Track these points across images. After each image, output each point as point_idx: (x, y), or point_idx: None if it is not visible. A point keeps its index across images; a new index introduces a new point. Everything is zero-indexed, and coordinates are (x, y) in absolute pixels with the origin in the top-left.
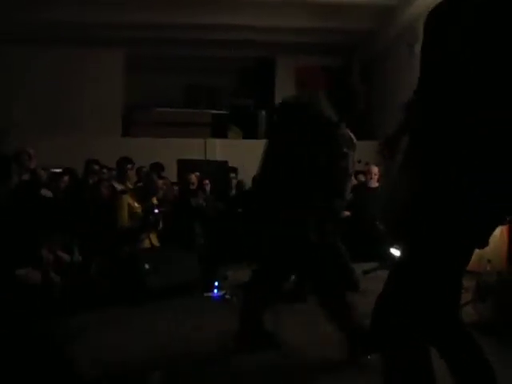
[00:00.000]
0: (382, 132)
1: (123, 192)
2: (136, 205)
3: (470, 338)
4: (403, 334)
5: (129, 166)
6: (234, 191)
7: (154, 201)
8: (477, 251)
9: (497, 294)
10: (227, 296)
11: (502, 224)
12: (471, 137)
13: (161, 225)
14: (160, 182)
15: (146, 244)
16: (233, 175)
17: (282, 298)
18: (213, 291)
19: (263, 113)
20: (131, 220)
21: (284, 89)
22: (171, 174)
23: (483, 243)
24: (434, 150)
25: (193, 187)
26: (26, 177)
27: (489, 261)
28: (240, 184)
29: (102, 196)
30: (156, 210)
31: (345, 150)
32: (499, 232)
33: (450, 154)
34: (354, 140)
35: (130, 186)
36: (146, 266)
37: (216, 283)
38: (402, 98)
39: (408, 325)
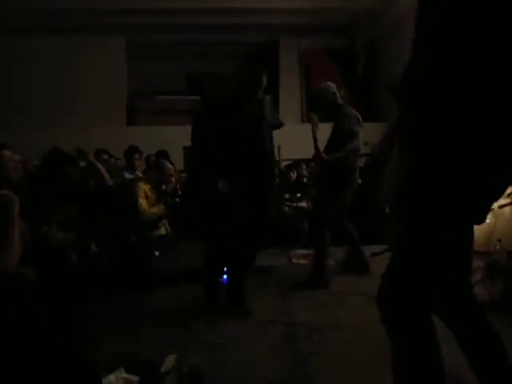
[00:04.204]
0: (387, 114)
1: (134, 180)
2: (150, 193)
3: (480, 314)
4: (409, 311)
5: (136, 155)
6: None
7: (174, 184)
8: (486, 232)
9: (507, 274)
10: None
11: (497, 199)
12: (468, 120)
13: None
14: (171, 167)
15: (162, 231)
16: None
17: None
18: (222, 277)
19: (268, 98)
20: (150, 207)
21: (288, 72)
22: (178, 161)
23: (480, 219)
24: (429, 131)
25: None
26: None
27: (499, 240)
28: None
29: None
30: (180, 192)
31: (354, 128)
32: (509, 211)
33: (447, 136)
34: (360, 118)
35: (139, 174)
36: (156, 253)
37: (225, 269)
38: None
39: (413, 302)
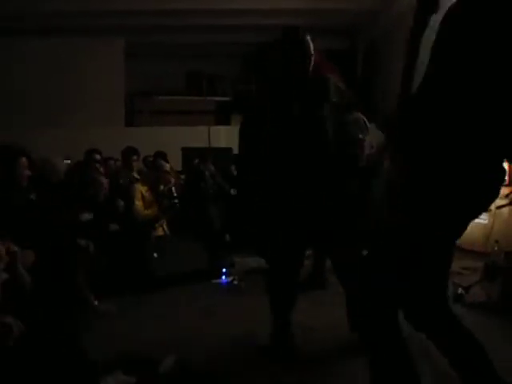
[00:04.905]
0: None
1: (131, 181)
2: (147, 194)
3: (456, 322)
4: (382, 317)
5: (134, 156)
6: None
7: (170, 185)
8: (484, 232)
9: (505, 275)
10: (235, 282)
11: (494, 200)
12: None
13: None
14: (167, 165)
15: (160, 232)
16: None
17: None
18: (221, 278)
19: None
20: (146, 209)
21: None
22: (176, 162)
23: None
24: (429, 136)
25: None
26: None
27: (496, 241)
28: None
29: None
30: (175, 194)
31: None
32: (507, 212)
33: (443, 139)
34: (367, 123)
35: (136, 175)
36: (155, 255)
37: (224, 270)
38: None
39: (386, 309)
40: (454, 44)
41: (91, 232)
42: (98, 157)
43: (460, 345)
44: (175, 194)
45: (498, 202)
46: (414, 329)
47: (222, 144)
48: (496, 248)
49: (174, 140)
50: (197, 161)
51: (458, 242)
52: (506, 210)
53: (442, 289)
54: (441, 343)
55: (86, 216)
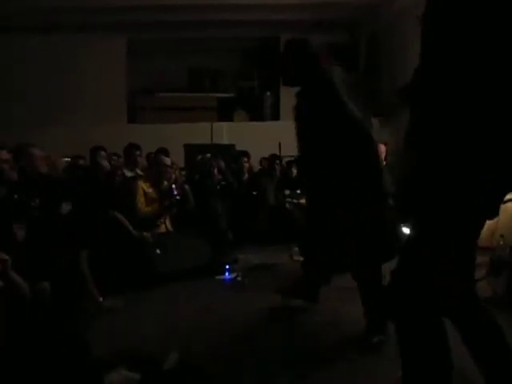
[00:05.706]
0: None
1: (134, 178)
2: (150, 190)
3: (485, 312)
4: (418, 308)
5: (137, 151)
6: (246, 175)
7: (171, 181)
8: (489, 227)
9: (510, 269)
10: (238, 278)
11: (509, 191)
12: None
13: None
14: (168, 159)
15: (162, 229)
16: (245, 159)
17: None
18: (224, 274)
19: (268, 94)
20: (148, 205)
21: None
22: (178, 159)
23: (493, 214)
24: (439, 129)
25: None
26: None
27: (502, 236)
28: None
29: (116, 183)
30: (175, 192)
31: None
32: None
33: (456, 135)
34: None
35: (140, 172)
36: (158, 251)
37: (227, 266)
38: (410, 72)
39: (422, 299)
40: (441, 32)
41: (77, 223)
42: (103, 153)
43: (484, 329)
44: (175, 192)
45: None
46: (443, 315)
47: (225, 140)
48: (501, 243)
49: (176, 137)
50: (200, 157)
51: None
52: (511, 204)
53: (469, 271)
54: (465, 327)
55: (64, 207)
